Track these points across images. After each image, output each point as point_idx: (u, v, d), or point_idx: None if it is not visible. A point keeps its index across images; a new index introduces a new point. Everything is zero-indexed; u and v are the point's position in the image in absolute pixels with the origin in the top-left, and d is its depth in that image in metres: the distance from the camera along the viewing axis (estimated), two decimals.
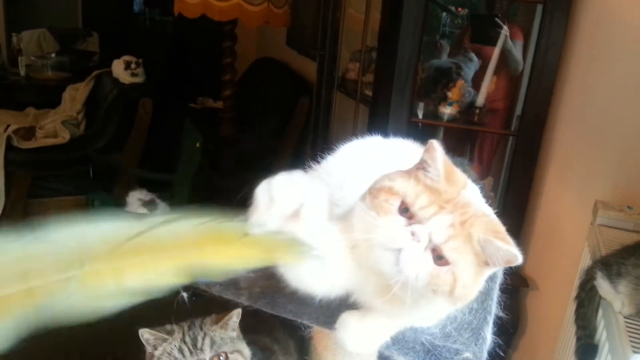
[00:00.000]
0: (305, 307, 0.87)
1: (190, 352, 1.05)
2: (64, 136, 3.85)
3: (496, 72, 2.41)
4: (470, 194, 0.71)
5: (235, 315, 1.11)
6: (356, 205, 0.74)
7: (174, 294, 0.98)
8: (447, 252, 0.66)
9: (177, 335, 1.08)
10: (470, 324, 0.87)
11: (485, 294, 0.97)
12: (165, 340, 1.07)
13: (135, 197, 3.17)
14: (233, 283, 0.92)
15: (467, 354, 0.79)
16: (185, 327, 1.09)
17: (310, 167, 1.05)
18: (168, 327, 1.11)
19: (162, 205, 3.22)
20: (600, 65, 1.94)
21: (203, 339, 1.06)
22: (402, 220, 0.68)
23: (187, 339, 1.06)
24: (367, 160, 0.92)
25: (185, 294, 0.97)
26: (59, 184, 3.62)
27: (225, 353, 1.07)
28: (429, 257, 0.66)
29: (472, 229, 0.66)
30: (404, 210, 0.68)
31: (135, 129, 3.76)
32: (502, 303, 1.00)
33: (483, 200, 0.77)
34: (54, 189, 3.59)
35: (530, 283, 2.21)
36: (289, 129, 3.78)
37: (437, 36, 2.84)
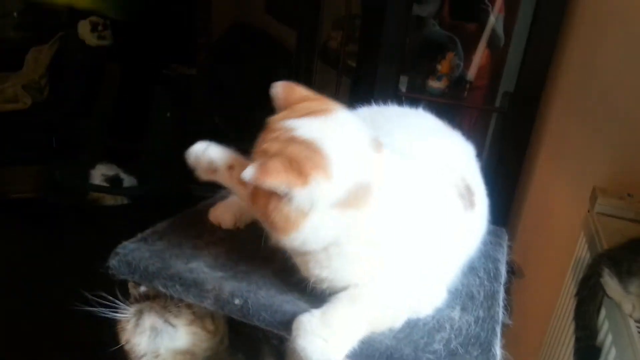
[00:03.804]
0: (282, 315, 0.73)
1: None
2: (25, 101, 3.61)
3: (476, 46, 2.29)
4: (306, 122, 0.70)
5: None
6: None
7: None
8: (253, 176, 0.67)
9: None
10: (478, 337, 0.74)
11: (491, 298, 0.85)
12: None
13: (99, 172, 3.00)
14: (196, 283, 0.77)
15: None
16: None
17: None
18: None
19: (127, 179, 3.06)
20: (601, 40, 1.81)
21: None
22: None
23: None
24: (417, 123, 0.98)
25: (142, 288, 0.84)
26: (19, 153, 3.38)
27: None
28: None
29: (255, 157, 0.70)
30: None
31: (102, 95, 3.54)
32: (509, 308, 0.88)
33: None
34: (13, 158, 3.35)
35: (516, 270, 2.11)
36: (268, 99, 3.59)
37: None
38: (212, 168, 0.84)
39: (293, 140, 0.67)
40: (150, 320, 0.82)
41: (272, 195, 0.66)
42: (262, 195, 0.67)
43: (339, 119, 0.72)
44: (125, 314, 0.84)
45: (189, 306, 0.84)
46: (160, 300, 0.84)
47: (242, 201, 0.86)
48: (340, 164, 0.66)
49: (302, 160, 0.65)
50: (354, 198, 0.67)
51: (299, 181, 0.64)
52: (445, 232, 0.78)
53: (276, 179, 0.64)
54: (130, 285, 0.88)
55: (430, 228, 0.75)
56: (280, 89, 0.76)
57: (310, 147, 0.67)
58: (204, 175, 0.86)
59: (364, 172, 0.68)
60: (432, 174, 0.80)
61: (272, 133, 0.70)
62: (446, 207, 0.79)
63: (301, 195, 0.65)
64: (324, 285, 0.74)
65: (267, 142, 0.69)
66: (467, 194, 0.83)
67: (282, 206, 0.66)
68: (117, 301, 0.87)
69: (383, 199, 0.70)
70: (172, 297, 0.81)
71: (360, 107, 0.99)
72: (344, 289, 0.73)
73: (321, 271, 0.73)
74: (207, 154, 0.84)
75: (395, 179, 0.72)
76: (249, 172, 0.64)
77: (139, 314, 0.83)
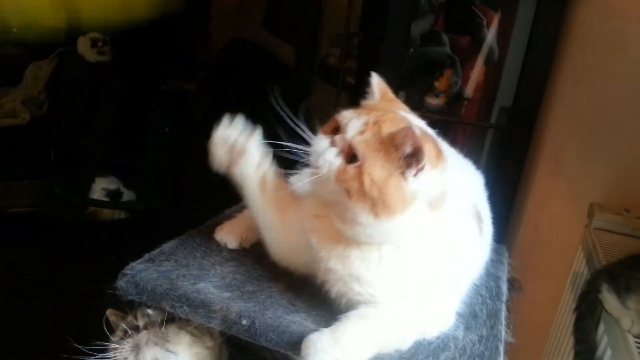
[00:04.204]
0: (289, 336, 0.74)
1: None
2: (24, 117, 3.62)
3: (470, 61, 2.32)
4: (408, 115, 0.77)
5: None
6: None
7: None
8: (356, 144, 0.70)
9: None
10: (482, 356, 0.75)
11: (493, 317, 0.86)
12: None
13: (100, 186, 3.00)
14: (204, 304, 0.78)
15: None
16: None
17: None
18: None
19: (128, 194, 3.06)
20: (598, 58, 1.84)
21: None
22: (327, 137, 0.74)
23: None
24: None
25: (150, 311, 0.84)
26: (18, 168, 3.38)
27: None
28: (339, 157, 0.72)
29: (383, 125, 0.71)
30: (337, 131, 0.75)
31: (102, 111, 3.55)
32: (511, 326, 0.89)
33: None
34: (12, 173, 3.35)
35: (514, 284, 2.12)
36: (265, 115, 3.62)
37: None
38: (240, 153, 0.83)
39: (421, 128, 0.73)
40: (150, 354, 0.81)
41: (393, 173, 0.69)
42: (378, 169, 0.69)
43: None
44: (123, 351, 0.83)
45: (184, 327, 0.84)
46: (154, 329, 0.83)
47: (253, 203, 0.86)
48: (449, 165, 0.74)
49: (437, 145, 0.72)
50: (436, 202, 0.72)
51: (437, 161, 0.71)
52: (460, 257, 0.80)
53: (427, 150, 0.68)
54: (119, 317, 0.88)
55: (452, 253, 0.77)
56: (378, 82, 0.84)
57: (434, 140, 0.73)
58: (223, 161, 0.84)
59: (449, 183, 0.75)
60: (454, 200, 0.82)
61: (385, 112, 0.74)
62: (465, 233, 0.82)
63: (426, 175, 0.69)
64: (344, 288, 0.76)
65: (386, 115, 0.73)
66: (478, 221, 0.85)
67: (402, 186, 0.69)
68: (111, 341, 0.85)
69: (447, 209, 0.75)
70: (164, 322, 0.81)
71: None
72: (359, 302, 0.75)
73: (358, 269, 0.74)
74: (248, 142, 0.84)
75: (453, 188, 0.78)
76: (405, 132, 0.67)
77: (136, 348, 0.82)
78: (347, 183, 0.69)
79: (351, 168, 0.69)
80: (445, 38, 2.42)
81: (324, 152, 0.72)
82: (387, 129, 0.70)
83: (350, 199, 0.69)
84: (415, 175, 0.68)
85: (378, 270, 0.74)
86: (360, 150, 0.69)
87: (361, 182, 0.68)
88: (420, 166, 0.68)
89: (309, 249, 0.78)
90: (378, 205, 0.68)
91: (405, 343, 0.75)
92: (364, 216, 0.69)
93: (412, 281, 0.74)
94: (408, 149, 0.67)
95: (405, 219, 0.69)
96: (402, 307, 0.74)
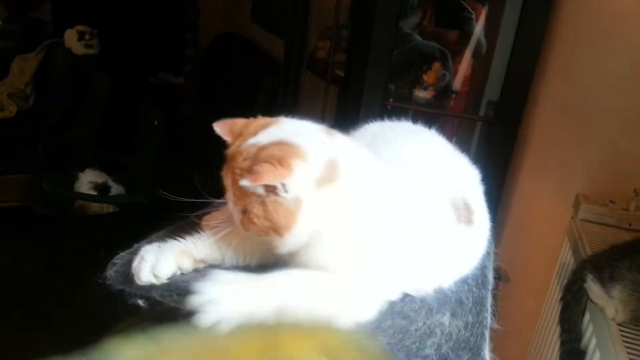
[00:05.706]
0: None
1: None
2: (11, 110, 3.60)
3: (458, 54, 2.33)
4: (264, 134, 0.78)
5: None
6: None
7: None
8: (234, 201, 0.78)
9: None
10: (467, 342, 0.76)
11: (479, 304, 0.88)
12: None
13: (87, 180, 2.98)
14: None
15: None
16: None
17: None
18: None
19: (116, 187, 3.05)
20: (584, 52, 1.87)
21: None
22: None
23: None
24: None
25: (140, 301, 0.84)
26: (5, 162, 3.35)
27: None
28: (237, 211, 0.79)
29: (238, 178, 0.74)
30: None
31: (89, 105, 3.53)
32: (496, 313, 0.90)
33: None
34: None
35: (502, 276, 2.15)
36: (255, 108, 3.61)
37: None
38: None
39: (262, 148, 0.75)
40: None
41: (267, 201, 0.74)
42: (256, 207, 0.75)
43: (288, 121, 0.82)
44: None
45: None
46: None
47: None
48: (308, 148, 0.75)
49: (279, 155, 0.73)
50: (328, 174, 0.75)
51: (286, 171, 0.71)
52: (416, 238, 0.81)
53: (269, 176, 0.71)
54: None
55: (403, 225, 0.79)
56: (221, 127, 0.83)
57: (279, 144, 0.75)
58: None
59: (327, 151, 0.77)
60: (420, 179, 0.85)
61: (239, 157, 0.76)
62: (431, 215, 0.83)
63: (292, 182, 0.72)
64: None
65: (240, 163, 0.76)
66: (465, 211, 0.87)
67: (280, 203, 0.74)
68: None
69: (350, 174, 0.77)
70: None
71: (371, 121, 1.05)
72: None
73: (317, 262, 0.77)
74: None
75: (357, 156, 0.81)
76: (245, 182, 0.71)
77: None
78: (248, 228, 0.77)
79: (245, 217, 0.77)
80: (412, 34, 2.43)
81: (233, 211, 0.80)
82: (240, 180, 0.74)
83: (260, 235, 0.77)
84: (285, 190, 0.73)
85: (316, 256, 0.78)
86: (240, 203, 0.77)
87: (253, 222, 0.76)
88: (279, 186, 0.72)
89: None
90: (276, 230, 0.75)
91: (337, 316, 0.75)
92: (277, 240, 0.78)
93: (349, 248, 0.77)
94: (261, 183, 0.71)
95: (304, 219, 0.75)
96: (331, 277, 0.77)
